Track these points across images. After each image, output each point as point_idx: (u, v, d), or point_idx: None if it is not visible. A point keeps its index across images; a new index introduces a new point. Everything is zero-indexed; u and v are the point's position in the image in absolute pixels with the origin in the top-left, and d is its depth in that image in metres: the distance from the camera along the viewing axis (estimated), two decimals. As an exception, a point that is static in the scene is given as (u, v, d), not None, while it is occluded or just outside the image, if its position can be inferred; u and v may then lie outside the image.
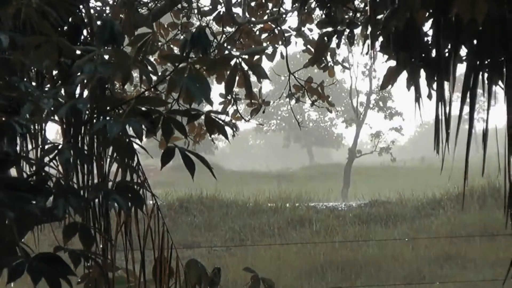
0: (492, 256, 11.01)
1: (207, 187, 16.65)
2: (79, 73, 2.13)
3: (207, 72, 2.24)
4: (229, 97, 7.09)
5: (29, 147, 2.41)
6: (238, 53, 2.25)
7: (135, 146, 2.33)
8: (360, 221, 15.03)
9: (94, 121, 2.28)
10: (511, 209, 2.76)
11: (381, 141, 35.05)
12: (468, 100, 2.80)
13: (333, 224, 14.80)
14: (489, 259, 10.94)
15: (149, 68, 2.22)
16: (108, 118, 2.09)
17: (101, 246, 2.47)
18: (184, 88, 2.07)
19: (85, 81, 2.18)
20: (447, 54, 2.76)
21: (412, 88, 2.93)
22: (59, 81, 2.46)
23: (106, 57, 2.14)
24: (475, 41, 2.74)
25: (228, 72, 2.33)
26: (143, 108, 2.18)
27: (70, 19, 2.58)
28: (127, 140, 2.22)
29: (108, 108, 2.25)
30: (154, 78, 3.42)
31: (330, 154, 66.44)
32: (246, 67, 2.26)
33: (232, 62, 2.24)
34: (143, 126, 2.06)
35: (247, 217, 15.59)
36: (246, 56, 2.24)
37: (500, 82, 2.79)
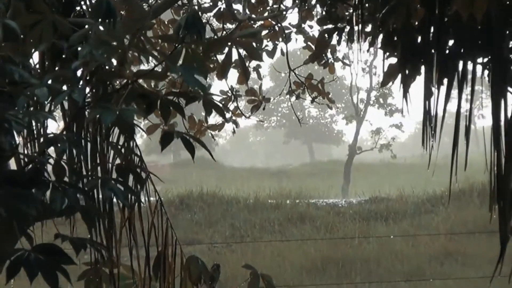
0: (492, 253, 10.97)
1: (208, 183, 16.66)
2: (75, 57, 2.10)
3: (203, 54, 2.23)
4: (229, 94, 7.09)
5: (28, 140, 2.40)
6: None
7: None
8: (360, 218, 15.04)
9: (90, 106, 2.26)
10: (498, 204, 2.77)
11: (382, 137, 35.03)
12: (468, 96, 2.81)
13: (333, 221, 14.81)
14: (489, 255, 10.92)
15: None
16: (104, 105, 2.06)
17: (105, 242, 2.46)
18: (179, 78, 2.06)
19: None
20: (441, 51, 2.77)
21: (413, 85, 2.94)
22: (52, 63, 2.43)
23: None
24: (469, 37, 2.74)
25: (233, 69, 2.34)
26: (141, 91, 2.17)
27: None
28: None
29: (106, 87, 2.23)
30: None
31: (331, 150, 66.42)
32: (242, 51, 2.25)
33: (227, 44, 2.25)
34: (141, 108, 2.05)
35: (247, 213, 15.60)
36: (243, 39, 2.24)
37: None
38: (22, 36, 2.12)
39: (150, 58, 2.17)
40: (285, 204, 16.31)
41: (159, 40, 4.37)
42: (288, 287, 10.21)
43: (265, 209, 15.81)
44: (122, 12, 5.36)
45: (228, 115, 7.19)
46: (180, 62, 2.14)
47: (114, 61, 2.19)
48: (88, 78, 2.25)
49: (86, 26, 2.11)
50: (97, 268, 2.57)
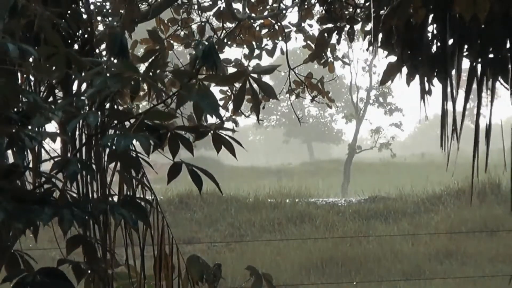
0: (492, 252, 11.02)
1: (207, 182, 16.62)
2: (86, 85, 2.14)
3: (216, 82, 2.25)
4: (229, 93, 7.08)
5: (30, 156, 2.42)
6: (247, 71, 2.24)
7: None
8: (360, 217, 15.03)
9: (100, 134, 2.30)
10: None
11: (381, 136, 35.08)
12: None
13: (333, 220, 14.80)
14: (489, 255, 10.95)
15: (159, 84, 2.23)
16: (116, 132, 2.11)
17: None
18: (194, 104, 2.08)
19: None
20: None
21: (412, 84, 2.94)
22: (62, 91, 2.47)
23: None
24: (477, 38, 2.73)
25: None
26: (150, 123, 2.20)
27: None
28: (134, 154, 2.24)
29: (116, 121, 2.26)
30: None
31: (330, 149, 66.39)
32: (254, 84, 2.25)
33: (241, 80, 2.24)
34: (151, 141, 2.08)
35: (247, 212, 15.58)
36: (256, 75, 2.24)
37: (500, 79, 2.80)
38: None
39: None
40: (284, 203, 16.30)
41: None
42: (287, 286, 10.20)
43: (265, 208, 15.80)
44: (122, 11, 5.37)
45: (227, 114, 7.18)
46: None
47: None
48: (99, 105, 2.27)
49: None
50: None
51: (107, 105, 2.31)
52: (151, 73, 2.12)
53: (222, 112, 6.97)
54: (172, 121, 2.66)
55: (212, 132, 2.32)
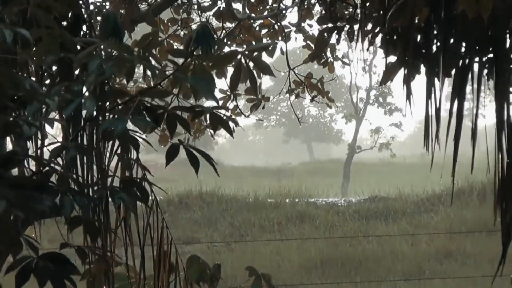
0: (492, 252, 11.00)
1: (207, 182, 16.65)
2: (84, 70, 2.13)
3: (210, 68, 2.24)
4: (228, 93, 7.08)
5: (31, 143, 2.41)
6: (242, 50, 2.24)
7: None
8: (360, 217, 15.04)
9: (99, 118, 2.28)
10: (500, 205, 2.78)
11: (381, 136, 35.08)
12: (472, 96, 2.80)
13: (332, 220, 14.81)
14: (489, 255, 10.94)
15: (154, 63, 2.21)
16: (113, 116, 2.10)
17: (100, 242, 2.47)
18: (190, 86, 2.07)
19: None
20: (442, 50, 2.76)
21: (412, 84, 2.93)
22: (59, 77, 2.45)
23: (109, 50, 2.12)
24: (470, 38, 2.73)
25: (231, 67, 2.34)
26: (148, 105, 2.19)
27: (70, 13, 2.58)
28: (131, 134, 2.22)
29: (112, 103, 2.25)
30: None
31: (330, 149, 66.39)
32: (250, 63, 2.25)
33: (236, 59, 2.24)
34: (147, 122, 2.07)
35: (246, 212, 15.59)
36: (253, 53, 2.23)
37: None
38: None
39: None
40: (284, 203, 16.30)
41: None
42: (287, 286, 10.21)
43: (265, 208, 15.81)
44: (122, 11, 5.37)
45: (227, 114, 7.18)
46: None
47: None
48: (95, 91, 2.26)
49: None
50: (91, 269, 2.57)
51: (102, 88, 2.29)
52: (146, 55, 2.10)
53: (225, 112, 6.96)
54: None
55: (210, 111, 2.30)
